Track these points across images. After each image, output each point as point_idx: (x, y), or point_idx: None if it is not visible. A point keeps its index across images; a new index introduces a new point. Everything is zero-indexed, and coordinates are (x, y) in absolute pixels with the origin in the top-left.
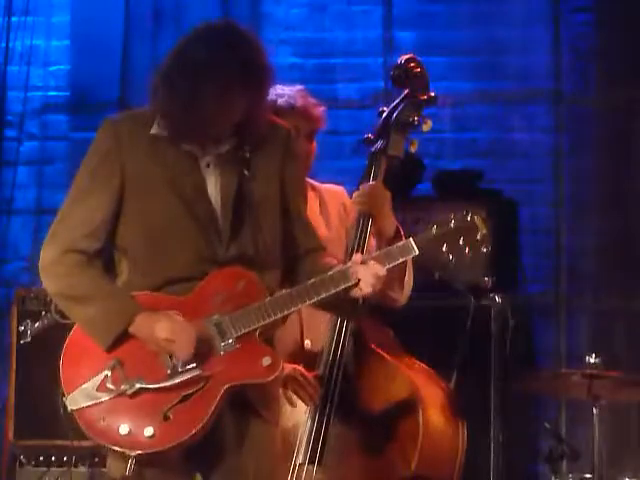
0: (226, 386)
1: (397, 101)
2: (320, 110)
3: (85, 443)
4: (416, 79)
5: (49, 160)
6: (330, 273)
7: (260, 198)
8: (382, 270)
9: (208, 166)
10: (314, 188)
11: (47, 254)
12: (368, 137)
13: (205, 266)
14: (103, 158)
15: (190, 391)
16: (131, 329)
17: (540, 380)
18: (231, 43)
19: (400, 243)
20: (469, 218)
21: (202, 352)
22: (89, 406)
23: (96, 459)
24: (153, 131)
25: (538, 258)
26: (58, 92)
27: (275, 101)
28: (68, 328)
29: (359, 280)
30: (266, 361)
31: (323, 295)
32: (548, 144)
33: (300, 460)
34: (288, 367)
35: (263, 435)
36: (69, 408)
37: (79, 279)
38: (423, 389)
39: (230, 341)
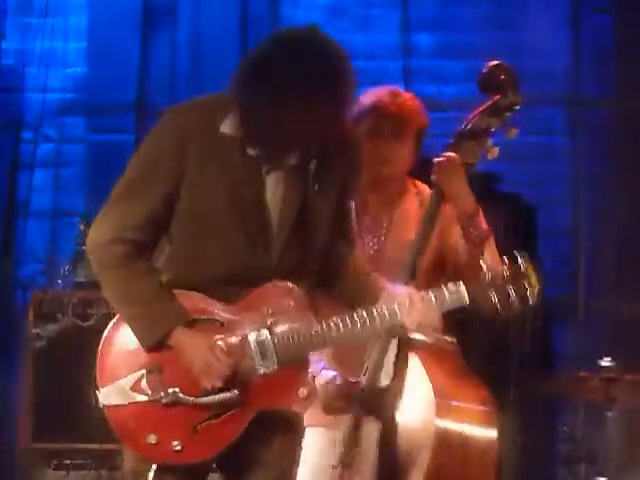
0: (258, 410)
1: (481, 108)
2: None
3: (106, 446)
4: (502, 86)
5: (65, 163)
6: (379, 309)
7: (319, 212)
8: (430, 317)
9: (269, 173)
10: (416, 187)
11: (95, 236)
12: (449, 143)
13: (250, 273)
14: (165, 152)
15: (222, 410)
16: (171, 341)
17: (557, 383)
18: (321, 51)
19: (452, 288)
20: (523, 269)
21: (240, 370)
22: (120, 405)
23: (117, 462)
24: (224, 129)
25: (557, 262)
26: (75, 94)
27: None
28: (85, 330)
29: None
30: (302, 393)
31: (368, 332)
32: (567, 148)
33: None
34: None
35: (285, 442)
36: (100, 402)
37: (126, 273)
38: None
39: (270, 363)
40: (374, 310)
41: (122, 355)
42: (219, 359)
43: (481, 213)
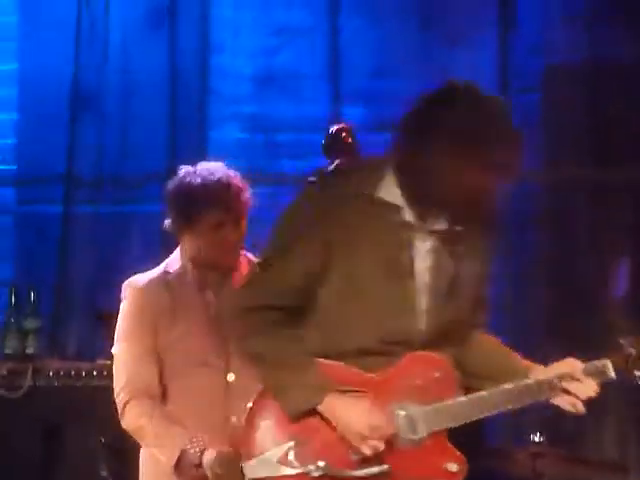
0: None
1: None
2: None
3: None
4: (347, 149)
5: None
6: (538, 381)
7: (466, 278)
8: (594, 390)
9: (422, 240)
10: (250, 262)
11: (244, 301)
12: None
13: (397, 344)
14: (315, 224)
15: None
16: (321, 408)
17: (487, 457)
18: (503, 118)
19: (599, 363)
20: None
21: (388, 443)
22: (269, 477)
23: None
24: (381, 194)
25: None
26: (4, 166)
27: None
28: (13, 402)
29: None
30: (451, 467)
31: (526, 403)
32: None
33: None
34: (213, 449)
35: None
36: (247, 476)
37: (275, 339)
38: None
39: (419, 437)
40: (533, 381)
41: (268, 427)
42: (378, 425)
43: None
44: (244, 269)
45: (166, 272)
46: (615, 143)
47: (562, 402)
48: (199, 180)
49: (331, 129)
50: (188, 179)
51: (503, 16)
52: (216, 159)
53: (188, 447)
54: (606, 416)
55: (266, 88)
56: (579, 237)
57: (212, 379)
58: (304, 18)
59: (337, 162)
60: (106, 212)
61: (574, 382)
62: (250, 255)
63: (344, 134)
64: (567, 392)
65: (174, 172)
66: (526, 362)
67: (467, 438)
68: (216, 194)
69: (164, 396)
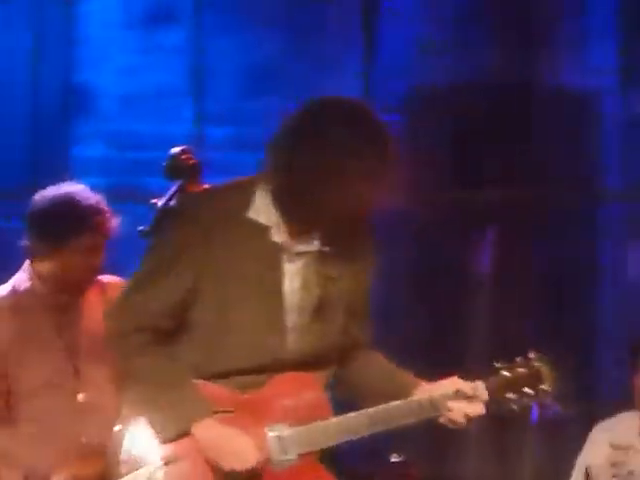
0: None
1: (170, 193)
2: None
3: None
4: (190, 171)
5: None
6: (418, 399)
7: (335, 298)
8: (481, 409)
9: (290, 261)
10: (99, 283)
11: (117, 324)
12: (143, 229)
13: (268, 364)
14: (185, 245)
15: None
16: (195, 431)
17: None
18: (370, 133)
19: (471, 384)
20: (537, 365)
21: (261, 465)
22: None
23: None
24: (251, 215)
25: None
26: None
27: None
28: None
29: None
30: None
31: (405, 422)
32: None
33: None
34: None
35: None
36: None
37: (151, 361)
38: None
39: (289, 458)
40: (414, 400)
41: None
42: (247, 446)
43: None
44: (94, 290)
45: (14, 291)
46: (475, 164)
47: (445, 420)
48: (69, 203)
49: (172, 151)
50: (56, 201)
51: (367, 40)
52: (79, 176)
53: None
54: (465, 436)
55: (131, 106)
56: (438, 255)
57: (60, 400)
58: (170, 37)
59: (180, 184)
60: None
61: (461, 400)
62: (102, 276)
63: (184, 156)
64: (451, 410)
65: (35, 189)
66: (412, 379)
67: (325, 459)
68: (88, 218)
69: (16, 418)
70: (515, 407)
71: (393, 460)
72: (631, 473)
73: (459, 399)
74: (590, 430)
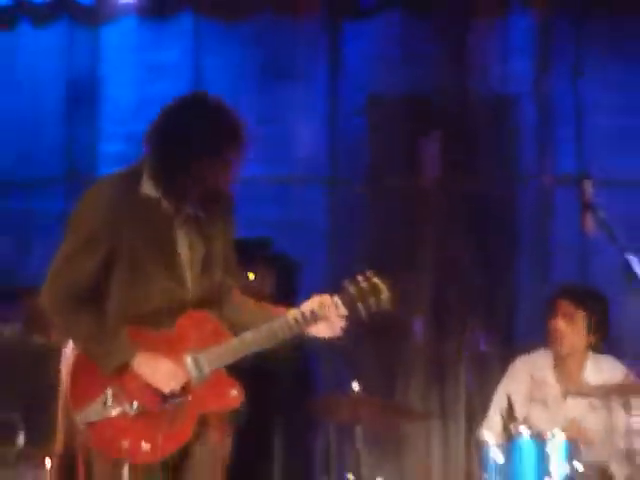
0: (201, 412)
1: None
2: None
3: None
4: None
5: None
6: (293, 315)
7: (215, 253)
8: (340, 320)
9: (179, 225)
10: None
11: (52, 296)
12: None
13: (176, 307)
14: (95, 222)
15: (175, 415)
16: (133, 364)
17: (312, 407)
18: (219, 114)
19: (331, 298)
20: (373, 280)
21: (185, 382)
22: (97, 421)
23: None
24: (145, 191)
25: None
26: None
27: None
28: None
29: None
30: (233, 392)
31: (288, 335)
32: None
33: None
34: None
35: (217, 442)
36: (79, 423)
37: (83, 318)
38: None
39: (205, 374)
40: (287, 319)
41: (89, 383)
42: (172, 368)
43: None
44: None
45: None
46: (429, 159)
47: (321, 331)
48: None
49: None
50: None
51: (332, 55)
52: (104, 169)
53: None
54: (400, 369)
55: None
56: (395, 230)
57: None
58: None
59: None
60: None
61: (328, 308)
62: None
63: None
64: (325, 319)
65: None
66: (281, 309)
67: (296, 389)
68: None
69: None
70: (364, 314)
71: (353, 389)
72: (544, 402)
73: (324, 310)
74: (509, 364)
